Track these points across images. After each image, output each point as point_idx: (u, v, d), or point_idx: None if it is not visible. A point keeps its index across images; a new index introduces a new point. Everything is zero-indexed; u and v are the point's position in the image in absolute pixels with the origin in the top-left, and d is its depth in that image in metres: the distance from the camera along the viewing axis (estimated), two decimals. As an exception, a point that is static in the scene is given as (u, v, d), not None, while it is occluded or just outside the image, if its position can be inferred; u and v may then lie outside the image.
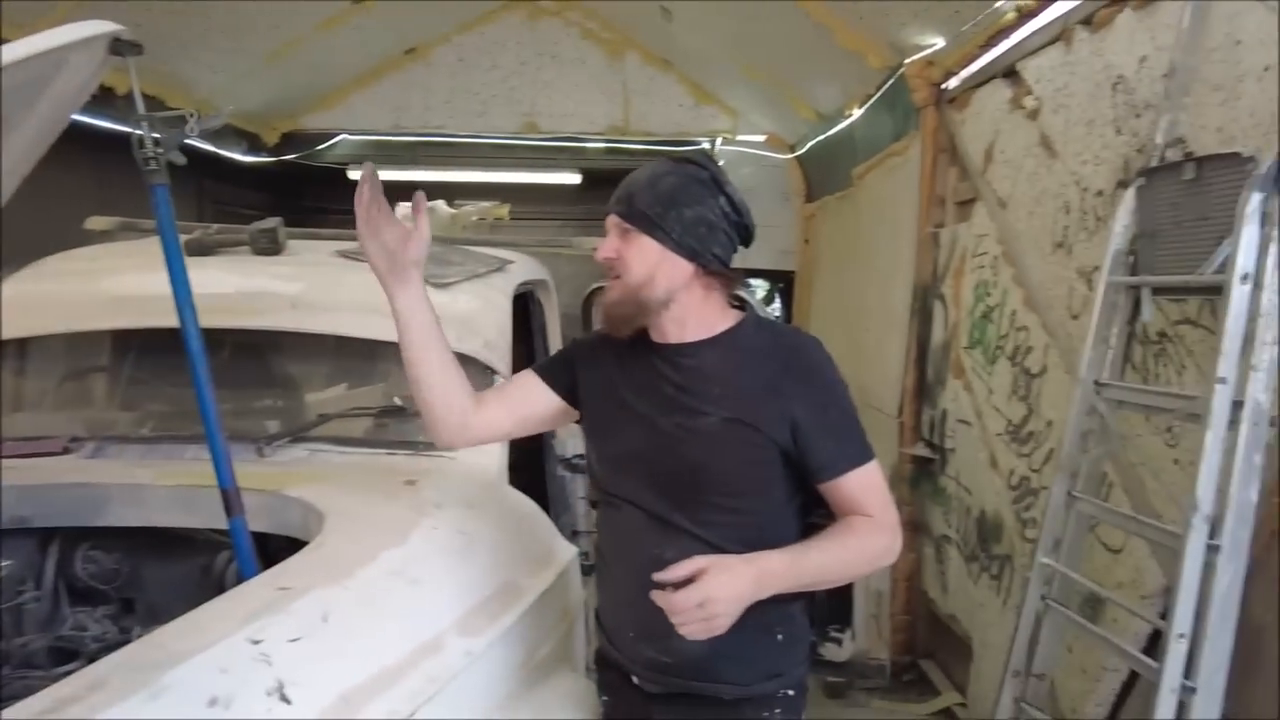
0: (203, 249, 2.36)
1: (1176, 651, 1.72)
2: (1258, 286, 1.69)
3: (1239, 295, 1.70)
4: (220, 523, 1.59)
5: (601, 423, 1.47)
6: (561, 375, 1.51)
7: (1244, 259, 1.70)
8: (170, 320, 1.61)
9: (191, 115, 1.56)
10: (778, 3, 4.26)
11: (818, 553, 1.29)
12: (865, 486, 1.34)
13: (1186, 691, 1.71)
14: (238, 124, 6.26)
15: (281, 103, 6.50)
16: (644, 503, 1.37)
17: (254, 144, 6.67)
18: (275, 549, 1.69)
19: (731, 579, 1.19)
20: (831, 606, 1.49)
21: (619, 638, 1.45)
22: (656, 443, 1.36)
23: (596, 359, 1.48)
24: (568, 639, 1.82)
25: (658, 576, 1.19)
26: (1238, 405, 1.70)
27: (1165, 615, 1.79)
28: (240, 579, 1.54)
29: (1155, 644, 1.91)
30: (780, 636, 1.39)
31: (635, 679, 1.44)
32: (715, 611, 1.17)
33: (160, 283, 1.62)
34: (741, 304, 1.47)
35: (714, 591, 1.17)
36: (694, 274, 1.37)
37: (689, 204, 1.35)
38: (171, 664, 1.08)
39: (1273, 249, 1.68)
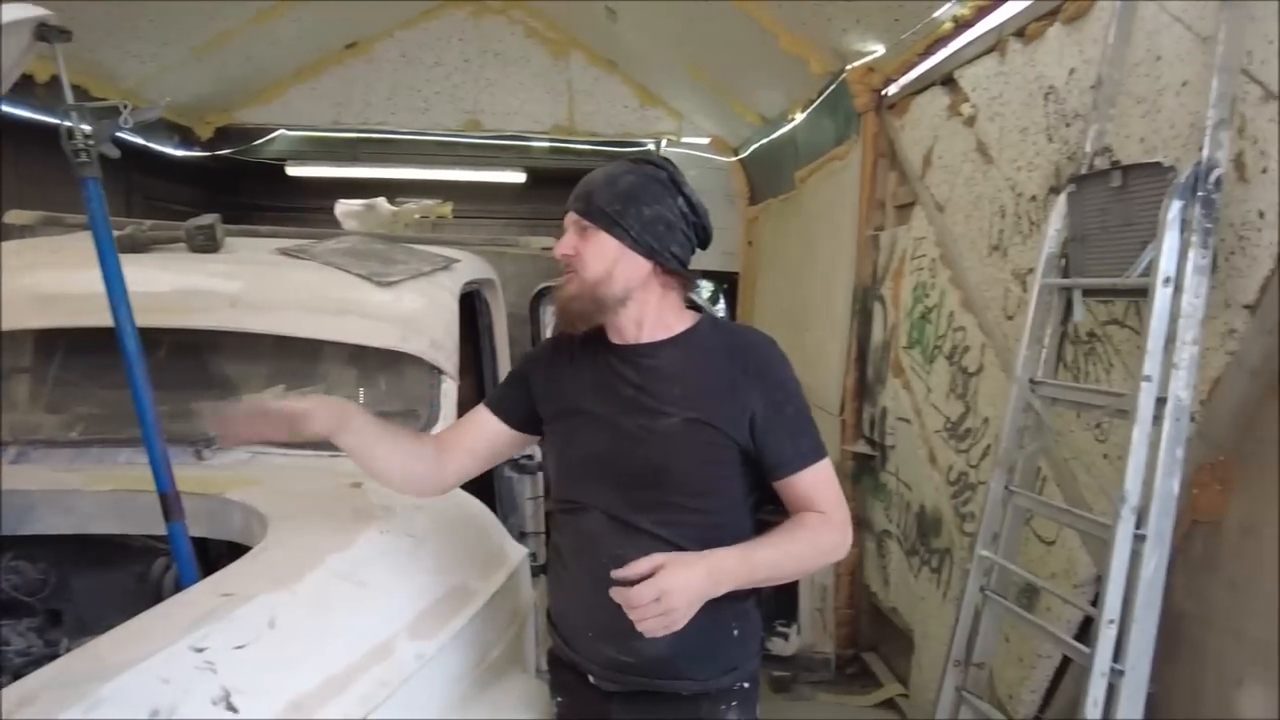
0: (136, 245, 2.27)
1: (1107, 636, 1.80)
2: (1178, 289, 1.77)
3: (1162, 297, 1.79)
4: (157, 528, 1.53)
5: (561, 429, 1.47)
6: (515, 404, 1.51)
7: (1166, 263, 1.79)
8: (103, 319, 1.55)
9: (125, 106, 1.51)
10: (722, 4, 4.31)
11: (770, 549, 1.31)
12: (818, 484, 1.37)
13: (1116, 674, 1.79)
14: (170, 117, 6.03)
15: (215, 96, 6.28)
16: (605, 505, 1.37)
17: (186, 138, 6.43)
18: (216, 555, 1.64)
19: (687, 574, 1.21)
20: (778, 601, 1.52)
21: (577, 638, 1.44)
22: (618, 445, 1.37)
23: (550, 368, 1.48)
24: (519, 640, 1.81)
25: (616, 573, 1.19)
26: (1161, 402, 1.78)
27: (1096, 602, 1.87)
28: (180, 586, 1.49)
29: (1086, 630, 1.99)
30: (736, 632, 1.41)
31: (592, 678, 1.43)
32: (672, 605, 1.18)
33: (90, 280, 1.55)
34: (695, 306, 1.48)
35: (670, 585, 1.18)
36: (652, 272, 1.38)
37: (648, 202, 1.36)
38: (109, 675, 1.04)
39: (1192, 254, 1.77)
